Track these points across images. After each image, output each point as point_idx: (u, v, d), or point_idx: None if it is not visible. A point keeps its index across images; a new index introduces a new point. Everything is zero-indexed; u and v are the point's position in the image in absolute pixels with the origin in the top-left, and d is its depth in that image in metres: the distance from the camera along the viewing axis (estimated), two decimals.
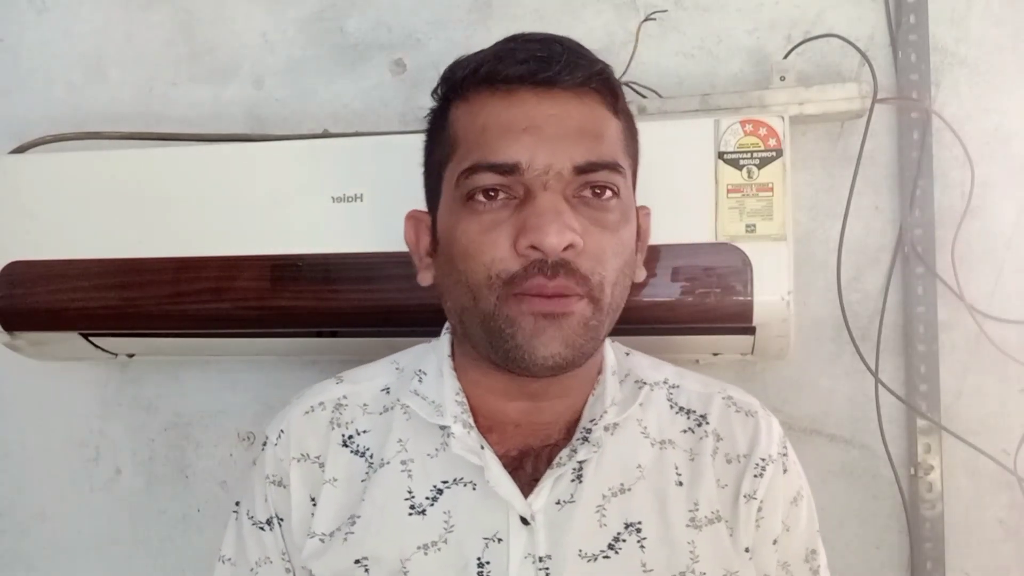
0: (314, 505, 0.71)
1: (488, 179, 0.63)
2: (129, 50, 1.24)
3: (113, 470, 1.27)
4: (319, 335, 1.04)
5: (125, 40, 1.25)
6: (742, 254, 0.88)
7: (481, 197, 0.64)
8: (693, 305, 0.88)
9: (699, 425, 0.72)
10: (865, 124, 1.01)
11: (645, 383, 0.73)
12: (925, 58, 1.02)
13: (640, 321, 0.87)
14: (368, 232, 0.95)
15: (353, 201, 0.96)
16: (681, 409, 0.73)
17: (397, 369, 0.77)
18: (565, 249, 0.61)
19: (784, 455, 0.72)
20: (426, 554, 0.66)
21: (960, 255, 1.03)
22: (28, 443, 1.29)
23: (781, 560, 0.71)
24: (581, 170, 0.63)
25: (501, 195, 0.64)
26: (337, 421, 0.73)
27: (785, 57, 1.03)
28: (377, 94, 1.17)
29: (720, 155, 0.90)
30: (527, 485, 0.67)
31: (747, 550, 0.68)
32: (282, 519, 0.73)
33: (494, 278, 0.63)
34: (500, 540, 0.66)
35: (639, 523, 0.67)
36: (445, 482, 0.68)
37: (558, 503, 0.67)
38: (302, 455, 0.72)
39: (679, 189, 0.88)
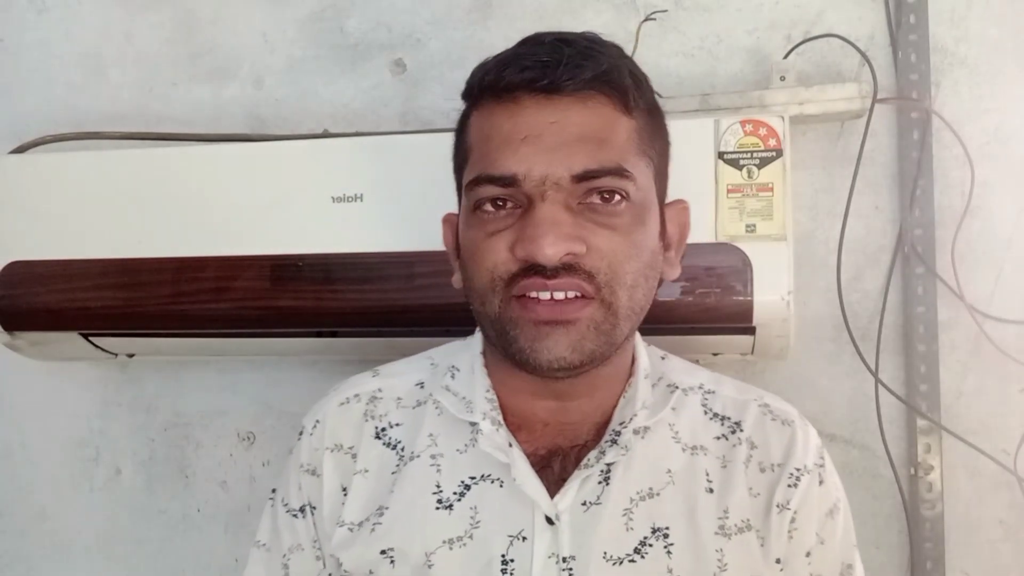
0: (345, 495, 0.71)
1: (490, 191, 0.64)
2: (129, 50, 1.24)
3: (113, 470, 1.27)
4: (319, 335, 1.04)
5: (125, 40, 1.25)
6: (742, 254, 0.88)
7: (489, 207, 0.64)
8: (693, 305, 0.88)
9: (733, 432, 0.71)
10: (865, 124, 1.01)
11: (677, 387, 0.72)
12: (925, 58, 1.03)
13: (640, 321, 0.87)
14: (368, 232, 0.95)
15: (353, 201, 0.96)
16: (715, 415, 0.72)
17: (432, 364, 0.78)
18: (565, 256, 0.61)
19: (821, 466, 0.71)
20: (451, 549, 0.67)
21: (960, 255, 1.03)
22: (28, 443, 1.29)
23: (815, 574, 0.70)
24: (581, 178, 0.62)
25: (509, 204, 0.64)
26: (371, 413, 0.74)
27: (785, 57, 1.03)
28: (377, 94, 1.17)
29: (720, 155, 0.90)
30: (554, 485, 0.67)
31: (778, 561, 0.67)
32: (314, 507, 0.73)
33: (496, 281, 0.63)
34: (525, 538, 0.66)
35: (667, 528, 0.66)
36: (473, 478, 0.69)
37: (584, 504, 0.67)
38: (336, 445, 0.73)
39: (679, 189, 0.87)
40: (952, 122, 1.02)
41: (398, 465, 0.71)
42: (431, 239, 0.93)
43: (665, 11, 1.08)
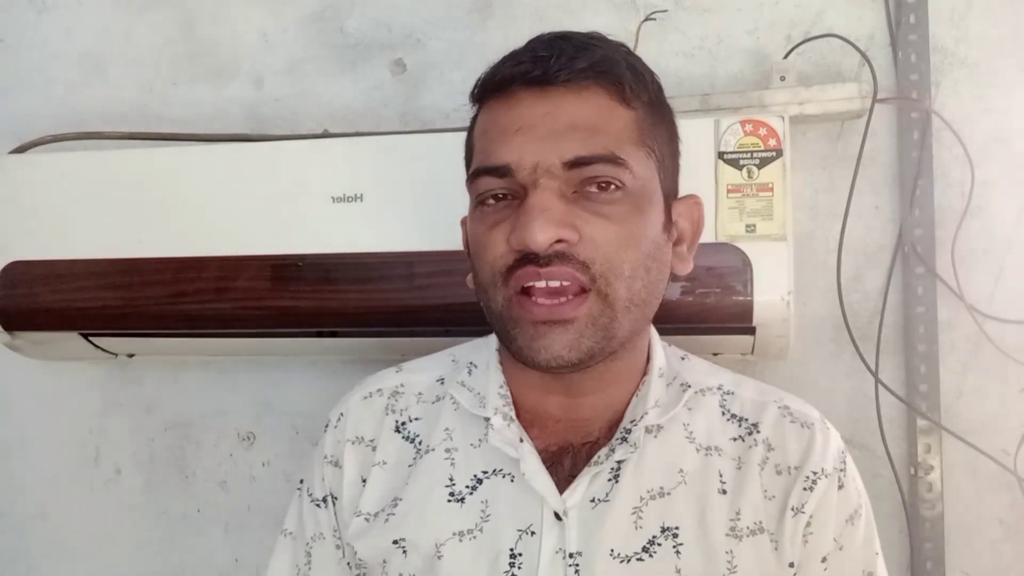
0: (364, 485, 0.73)
1: (487, 183, 0.65)
2: (129, 50, 1.24)
3: (113, 470, 1.27)
4: (319, 335, 1.04)
5: (125, 40, 1.25)
6: (742, 254, 0.88)
7: (490, 200, 0.65)
8: (693, 305, 0.88)
9: (750, 433, 0.70)
10: (865, 124, 1.01)
11: (690, 386, 0.72)
12: (925, 58, 1.02)
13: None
14: (368, 232, 0.95)
15: (353, 201, 0.96)
16: (733, 416, 0.72)
17: (453, 361, 0.79)
18: (557, 243, 0.61)
19: (841, 470, 0.70)
20: (461, 541, 0.68)
21: (960, 255, 1.03)
22: (28, 443, 1.29)
23: None
24: (572, 165, 0.62)
25: (507, 197, 0.65)
26: (392, 408, 0.76)
27: (785, 57, 1.03)
28: (377, 94, 1.17)
29: (720, 155, 0.90)
30: (564, 481, 0.67)
31: (791, 565, 0.67)
32: (336, 498, 0.75)
33: (496, 275, 0.64)
34: (533, 533, 0.66)
35: (676, 528, 0.66)
36: (485, 472, 0.70)
37: (593, 501, 0.67)
38: (357, 438, 0.75)
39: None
40: (952, 122, 1.02)
41: (415, 458, 0.72)
42: (431, 239, 0.93)
43: (665, 11, 1.08)
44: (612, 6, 1.11)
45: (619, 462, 0.68)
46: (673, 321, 0.88)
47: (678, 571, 0.65)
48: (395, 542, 0.69)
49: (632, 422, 0.69)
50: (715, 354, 1.02)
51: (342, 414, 0.77)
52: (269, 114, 1.20)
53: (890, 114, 1.05)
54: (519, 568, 0.66)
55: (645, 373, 0.72)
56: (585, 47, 0.64)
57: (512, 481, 0.68)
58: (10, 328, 1.05)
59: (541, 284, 0.62)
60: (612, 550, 0.65)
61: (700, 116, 0.98)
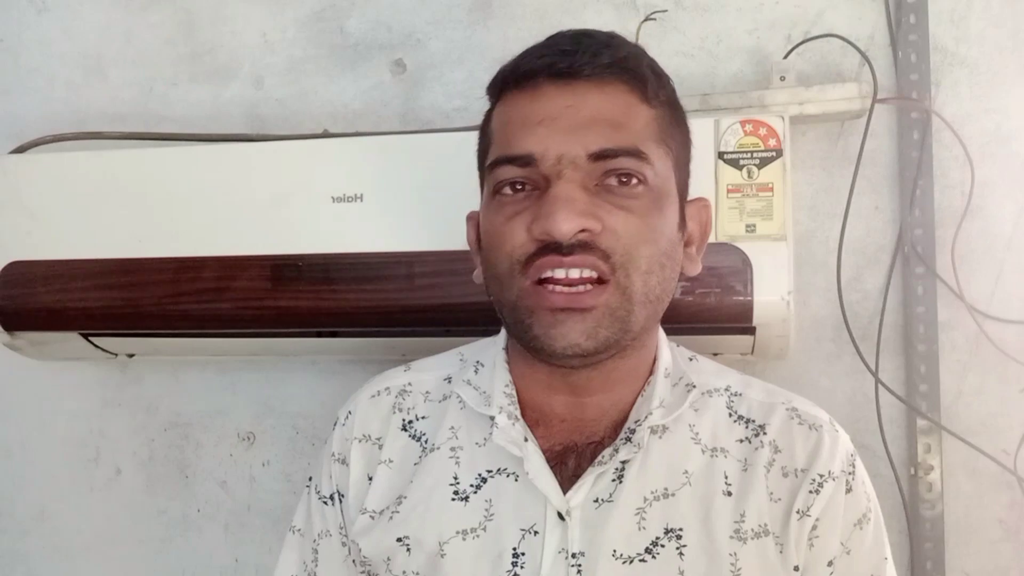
0: (369, 483, 0.73)
1: (508, 172, 0.65)
2: (129, 50, 1.24)
3: (113, 470, 1.27)
4: (319, 335, 1.04)
5: (125, 40, 1.25)
6: (742, 254, 0.88)
7: (508, 190, 0.65)
8: (693, 305, 0.88)
9: (756, 435, 0.70)
10: (865, 124, 1.01)
11: (695, 387, 0.71)
12: (925, 58, 1.02)
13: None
14: (368, 232, 0.95)
15: (353, 201, 0.96)
16: (740, 418, 0.71)
17: (461, 360, 0.79)
18: (580, 233, 0.62)
19: (850, 473, 0.69)
20: (464, 539, 0.68)
21: (960, 255, 1.03)
22: (28, 443, 1.29)
23: None
24: (597, 157, 0.63)
25: (527, 187, 0.65)
26: (399, 406, 0.76)
27: (785, 57, 1.03)
28: (377, 94, 1.17)
29: (720, 155, 0.90)
30: (568, 481, 0.67)
31: (796, 568, 0.66)
32: (343, 495, 0.75)
33: (515, 264, 0.64)
34: (536, 533, 0.66)
35: (680, 529, 0.66)
36: (490, 471, 0.70)
37: (596, 501, 0.67)
38: (364, 436, 0.75)
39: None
40: (952, 122, 1.02)
41: (420, 456, 0.73)
42: (431, 239, 0.93)
43: (665, 11, 1.08)
44: (612, 6, 1.11)
45: (623, 462, 0.67)
46: (673, 321, 0.88)
47: (681, 573, 0.65)
48: (399, 540, 0.69)
49: (636, 422, 0.68)
50: (715, 354, 1.02)
51: (350, 412, 0.77)
52: (269, 114, 1.20)
53: (890, 114, 1.05)
54: (521, 568, 0.66)
55: (651, 373, 0.72)
56: (608, 44, 0.65)
57: (516, 480, 0.68)
58: (10, 328, 1.05)
59: (561, 274, 0.62)
60: (615, 551, 0.65)
61: (700, 116, 0.98)
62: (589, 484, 0.67)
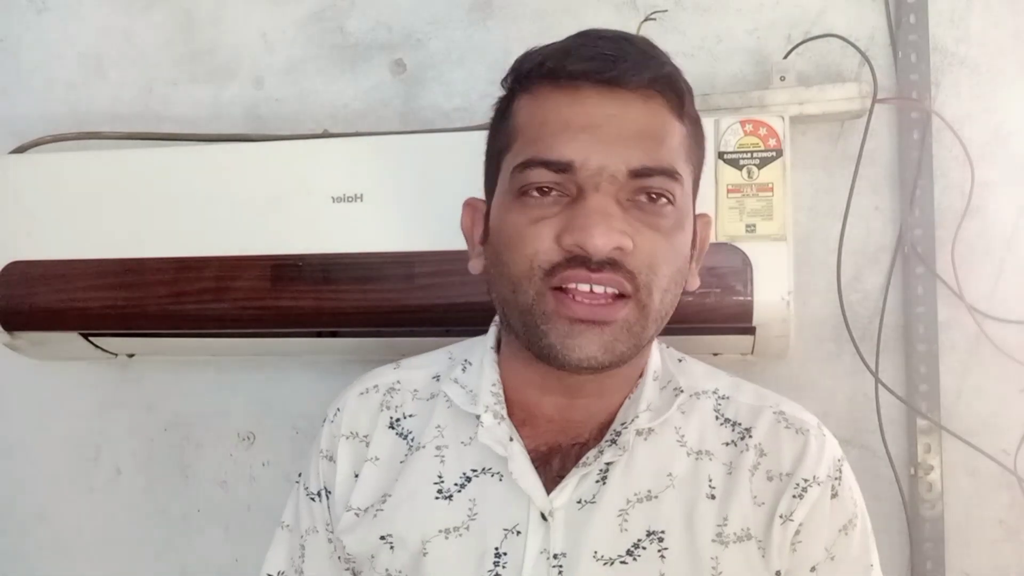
0: (356, 481, 0.73)
1: (541, 175, 0.63)
2: (129, 50, 1.24)
3: (113, 470, 1.27)
4: (319, 335, 1.04)
5: (125, 40, 1.25)
6: (742, 254, 0.88)
7: (534, 192, 0.64)
8: (693, 305, 0.88)
9: (742, 438, 0.69)
10: (865, 124, 1.01)
11: (682, 390, 0.71)
12: (925, 58, 1.02)
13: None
14: (368, 232, 0.95)
15: (353, 201, 0.96)
16: (727, 421, 0.71)
17: (449, 358, 0.79)
18: (613, 251, 0.61)
19: (836, 479, 0.68)
20: (447, 538, 0.68)
21: (960, 255, 1.03)
22: (28, 443, 1.29)
23: None
24: (636, 174, 0.62)
25: (554, 192, 0.63)
26: (387, 404, 0.76)
27: (785, 57, 1.03)
28: (377, 94, 1.17)
29: (720, 155, 0.90)
30: (552, 481, 0.67)
31: (779, 573, 0.66)
32: (329, 492, 0.75)
33: (535, 269, 0.63)
34: (519, 533, 0.66)
35: (662, 532, 0.66)
36: (474, 470, 0.69)
37: (579, 502, 0.67)
38: (351, 433, 0.75)
39: None
40: (952, 122, 1.02)
41: (406, 454, 0.72)
42: (431, 239, 0.93)
43: (665, 11, 1.08)
44: (612, 6, 1.11)
45: (608, 464, 0.67)
46: (673, 321, 0.88)
47: (662, 575, 0.65)
48: (382, 538, 0.69)
49: (623, 424, 0.68)
50: (715, 354, 1.02)
51: (339, 409, 0.77)
52: (269, 114, 1.20)
53: (890, 114, 1.05)
54: (503, 567, 0.66)
55: (640, 376, 0.72)
56: (651, 54, 0.65)
57: (500, 480, 0.68)
58: (10, 328, 1.05)
59: (585, 287, 0.62)
60: (596, 552, 0.65)
61: (700, 116, 0.98)
62: (573, 485, 0.67)
